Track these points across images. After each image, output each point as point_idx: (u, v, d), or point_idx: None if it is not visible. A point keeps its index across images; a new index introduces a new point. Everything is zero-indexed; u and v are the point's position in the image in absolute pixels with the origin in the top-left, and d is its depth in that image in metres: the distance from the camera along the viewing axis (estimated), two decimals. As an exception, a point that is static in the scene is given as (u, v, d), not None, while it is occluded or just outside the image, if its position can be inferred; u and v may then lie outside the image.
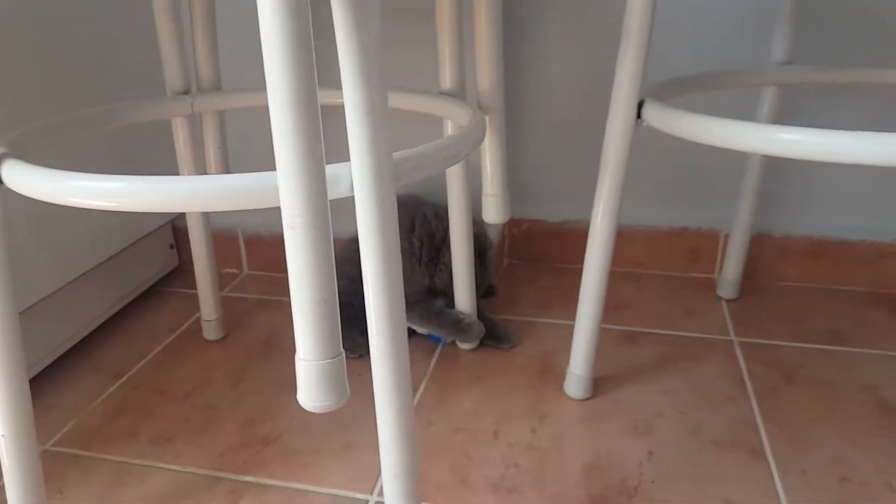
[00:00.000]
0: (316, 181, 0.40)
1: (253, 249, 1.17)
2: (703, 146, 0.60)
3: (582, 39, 1.03)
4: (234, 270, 1.18)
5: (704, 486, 0.67)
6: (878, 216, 1.04)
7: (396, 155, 0.48)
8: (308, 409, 0.44)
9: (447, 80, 0.73)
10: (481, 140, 0.61)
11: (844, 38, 0.95)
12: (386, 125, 0.45)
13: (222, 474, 0.71)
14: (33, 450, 0.59)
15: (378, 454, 0.69)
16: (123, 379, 0.89)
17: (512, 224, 1.15)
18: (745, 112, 0.94)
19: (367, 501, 0.66)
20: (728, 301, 1.03)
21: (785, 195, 1.05)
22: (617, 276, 1.12)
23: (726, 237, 1.07)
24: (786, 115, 0.99)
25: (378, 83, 0.44)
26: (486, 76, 0.71)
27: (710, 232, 1.08)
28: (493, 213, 0.76)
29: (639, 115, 0.67)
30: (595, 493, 0.67)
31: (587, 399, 0.81)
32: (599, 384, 0.83)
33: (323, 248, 0.41)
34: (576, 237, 1.12)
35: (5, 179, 0.52)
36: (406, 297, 0.91)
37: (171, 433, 0.78)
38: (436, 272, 0.90)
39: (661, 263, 1.12)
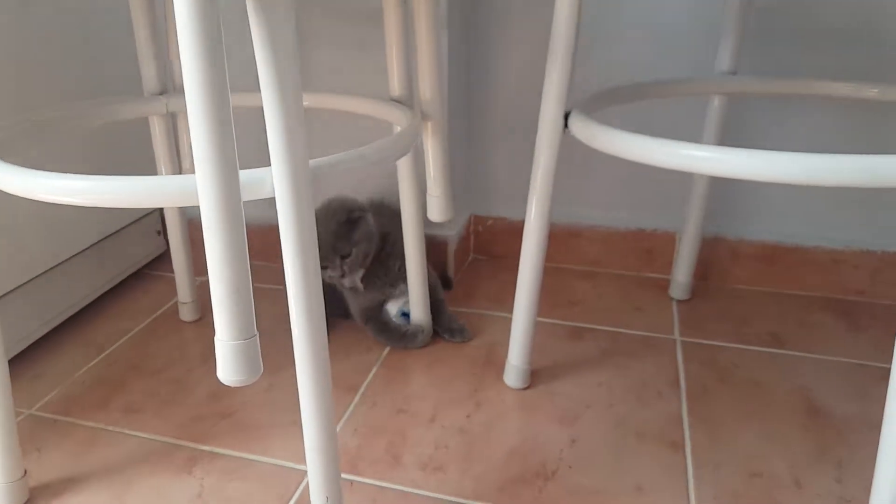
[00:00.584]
0: (229, 186, 0.46)
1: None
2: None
3: (543, 43, 1.07)
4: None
5: (618, 473, 0.73)
6: (831, 223, 1.08)
7: (313, 161, 0.54)
8: (225, 383, 0.50)
9: (395, 87, 0.79)
10: (409, 146, 0.67)
11: (794, 50, 0.99)
12: (303, 135, 0.51)
13: (181, 442, 0.78)
14: (10, 416, 0.66)
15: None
16: (105, 353, 0.96)
17: (477, 221, 1.21)
18: (696, 122, 0.99)
19: (305, 472, 0.73)
20: (679, 301, 1.08)
21: (739, 201, 1.10)
22: (574, 274, 1.17)
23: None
24: (739, 125, 1.04)
25: (293, 97, 0.50)
26: (427, 86, 0.76)
27: (665, 234, 1.13)
28: (437, 213, 0.82)
29: (567, 125, 0.72)
30: (514, 476, 0.73)
31: (524, 389, 0.87)
32: (538, 375, 0.89)
33: (236, 244, 0.47)
34: (539, 236, 1.18)
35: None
36: (367, 312, 0.97)
37: (140, 404, 0.85)
38: (396, 285, 0.97)
39: (618, 263, 1.17)
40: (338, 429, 0.80)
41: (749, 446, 0.77)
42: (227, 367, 0.49)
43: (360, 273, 0.93)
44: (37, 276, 0.95)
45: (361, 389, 0.87)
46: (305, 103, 0.88)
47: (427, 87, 0.77)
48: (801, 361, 0.93)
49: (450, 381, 0.89)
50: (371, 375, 0.90)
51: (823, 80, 0.87)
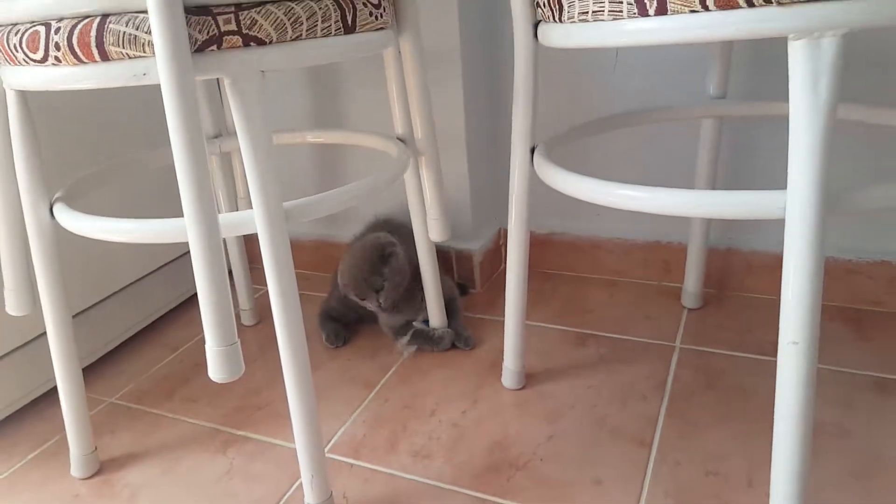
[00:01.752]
0: (210, 226, 0.60)
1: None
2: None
3: (558, 70, 1.16)
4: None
5: (583, 467, 0.81)
6: (847, 234, 1.09)
7: (288, 203, 0.67)
8: (214, 380, 0.64)
9: (398, 126, 0.91)
10: (392, 181, 0.79)
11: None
12: (275, 183, 0.64)
13: (223, 428, 0.94)
14: (82, 405, 0.84)
15: (337, 420, 0.90)
16: (175, 354, 1.15)
17: (506, 234, 1.31)
18: (689, 142, 1.05)
19: (315, 456, 0.87)
20: (690, 310, 1.13)
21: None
22: (594, 283, 1.24)
23: (695, 251, 1.16)
24: (736, 146, 1.08)
25: (265, 155, 0.63)
26: (419, 127, 0.88)
27: (680, 246, 1.18)
28: (436, 233, 0.94)
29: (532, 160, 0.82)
30: (491, 464, 0.83)
31: (518, 389, 0.96)
32: (536, 378, 0.98)
33: (217, 272, 0.61)
34: (560, 247, 1.26)
35: (57, 218, 0.76)
36: (395, 329, 1.08)
37: (197, 396, 1.02)
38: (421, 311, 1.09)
39: (636, 273, 1.23)
40: (350, 420, 0.93)
41: (715, 447, 0.83)
42: (214, 367, 0.64)
43: (393, 302, 1.04)
44: (123, 288, 1.15)
45: (377, 387, 1.00)
46: (320, 139, 1.03)
47: (419, 127, 0.89)
48: (801, 369, 0.96)
49: (454, 381, 1.00)
50: (389, 374, 1.03)
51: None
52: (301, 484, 0.82)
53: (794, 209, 0.54)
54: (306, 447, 0.72)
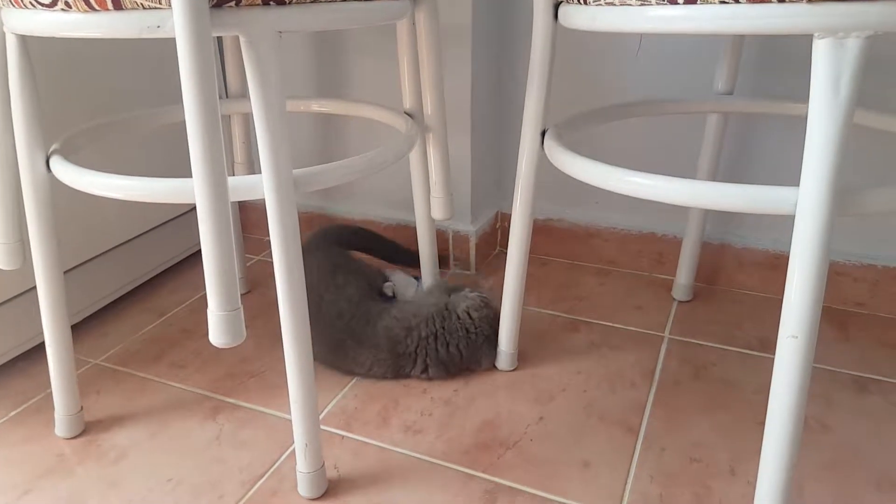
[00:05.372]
0: (219, 189, 0.59)
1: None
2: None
3: (565, 53, 1.16)
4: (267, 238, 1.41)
5: (571, 449, 0.82)
6: (836, 237, 1.10)
7: (297, 171, 0.66)
8: (215, 345, 0.64)
9: (407, 101, 0.90)
10: (399, 157, 0.78)
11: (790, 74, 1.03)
12: (286, 150, 0.64)
13: (212, 395, 0.94)
14: (70, 363, 0.83)
15: (329, 394, 0.89)
16: (163, 318, 1.14)
17: (503, 217, 1.31)
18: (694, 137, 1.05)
19: (305, 426, 0.86)
20: (680, 302, 1.15)
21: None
22: (589, 271, 1.25)
23: (688, 244, 1.17)
24: (739, 143, 1.09)
25: (278, 118, 0.62)
26: (429, 103, 0.87)
27: (674, 238, 1.19)
28: (439, 212, 0.94)
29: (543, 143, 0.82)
30: (481, 442, 0.83)
31: (511, 371, 0.97)
32: (528, 360, 0.99)
33: (224, 236, 0.60)
34: (557, 233, 1.27)
35: (53, 170, 0.75)
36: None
37: (185, 361, 1.01)
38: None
39: (631, 263, 1.24)
40: (342, 393, 0.93)
41: (699, 436, 0.84)
42: (216, 332, 0.63)
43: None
44: (112, 249, 1.13)
45: (368, 362, 1.00)
46: (325, 109, 1.02)
47: (430, 103, 0.88)
48: (786, 365, 0.98)
49: (446, 360, 1.00)
50: (379, 351, 1.03)
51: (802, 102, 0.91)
52: (291, 452, 0.82)
53: (805, 206, 0.55)
54: (302, 415, 0.72)
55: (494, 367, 0.97)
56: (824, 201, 0.54)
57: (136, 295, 1.20)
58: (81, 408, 0.86)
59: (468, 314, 0.94)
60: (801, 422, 0.59)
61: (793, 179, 0.56)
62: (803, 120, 0.55)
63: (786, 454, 0.59)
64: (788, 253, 1.06)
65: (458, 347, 0.93)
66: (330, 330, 0.94)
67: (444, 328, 0.92)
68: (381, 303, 0.99)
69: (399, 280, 1.08)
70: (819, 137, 0.53)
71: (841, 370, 0.96)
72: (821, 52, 0.52)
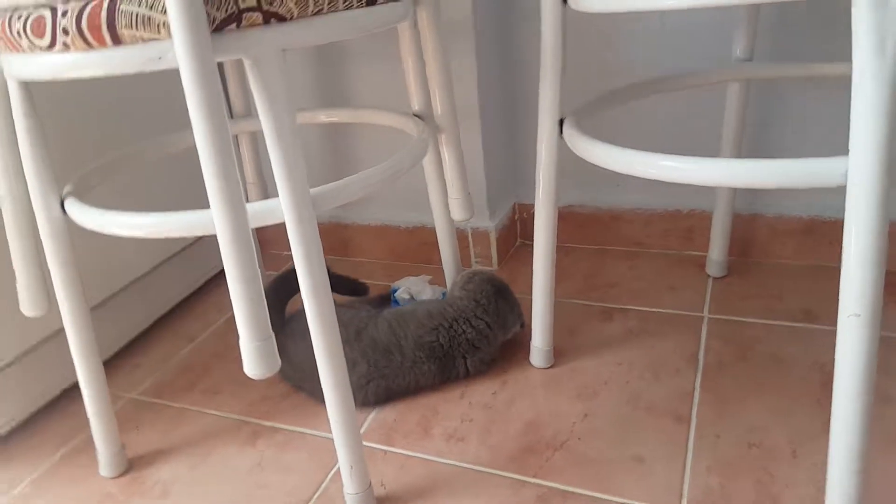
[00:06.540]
0: (238, 217, 0.57)
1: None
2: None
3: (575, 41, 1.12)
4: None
5: (622, 445, 0.80)
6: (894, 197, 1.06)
7: (314, 190, 0.64)
8: (250, 377, 0.62)
9: (414, 103, 0.88)
10: (415, 162, 0.76)
11: (812, 34, 0.99)
12: (301, 168, 0.61)
13: (249, 419, 0.92)
14: (107, 404, 0.82)
15: (365, 408, 0.88)
16: (193, 344, 1.13)
17: (521, 209, 1.28)
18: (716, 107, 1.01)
19: (347, 444, 0.85)
20: (715, 279, 1.11)
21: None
22: (616, 255, 1.22)
23: (718, 218, 1.14)
24: (762, 112, 1.05)
25: (290, 138, 0.60)
26: (439, 103, 0.85)
27: (703, 213, 1.15)
28: (457, 212, 0.91)
29: (561, 132, 0.79)
30: (526, 445, 0.81)
31: (548, 368, 0.95)
32: (564, 355, 0.96)
33: (248, 264, 0.59)
34: (577, 219, 1.24)
35: (69, 213, 0.73)
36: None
37: (219, 387, 1.00)
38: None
39: (658, 243, 1.21)
40: (379, 407, 0.91)
41: (754, 419, 0.81)
42: (251, 364, 0.61)
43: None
44: (134, 281, 1.12)
45: (403, 371, 0.98)
46: (334, 118, 0.99)
47: (439, 103, 0.85)
48: (830, 336, 0.94)
49: (482, 362, 0.98)
50: (413, 358, 1.01)
51: (836, 62, 0.87)
52: (336, 473, 0.80)
53: (856, 176, 0.52)
54: (344, 436, 0.70)
55: (521, 327, 0.97)
56: (878, 170, 0.51)
57: (162, 323, 1.19)
58: (123, 445, 0.85)
59: (463, 289, 0.95)
60: (870, 408, 0.56)
61: (822, 145, 0.53)
62: (830, 82, 0.52)
63: (856, 440, 0.57)
64: (823, 217, 1.02)
65: (482, 320, 0.92)
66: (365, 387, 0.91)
67: (460, 315, 0.92)
68: (392, 332, 0.92)
69: (411, 283, 1.06)
70: (866, 102, 0.50)
71: (896, 336, 0.93)
72: (862, 13, 0.49)
